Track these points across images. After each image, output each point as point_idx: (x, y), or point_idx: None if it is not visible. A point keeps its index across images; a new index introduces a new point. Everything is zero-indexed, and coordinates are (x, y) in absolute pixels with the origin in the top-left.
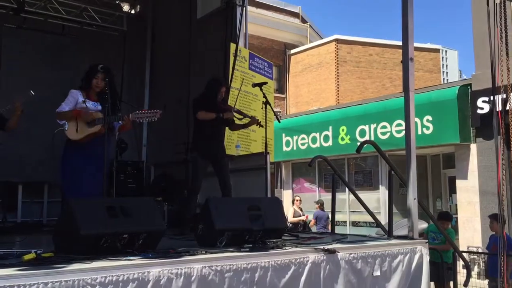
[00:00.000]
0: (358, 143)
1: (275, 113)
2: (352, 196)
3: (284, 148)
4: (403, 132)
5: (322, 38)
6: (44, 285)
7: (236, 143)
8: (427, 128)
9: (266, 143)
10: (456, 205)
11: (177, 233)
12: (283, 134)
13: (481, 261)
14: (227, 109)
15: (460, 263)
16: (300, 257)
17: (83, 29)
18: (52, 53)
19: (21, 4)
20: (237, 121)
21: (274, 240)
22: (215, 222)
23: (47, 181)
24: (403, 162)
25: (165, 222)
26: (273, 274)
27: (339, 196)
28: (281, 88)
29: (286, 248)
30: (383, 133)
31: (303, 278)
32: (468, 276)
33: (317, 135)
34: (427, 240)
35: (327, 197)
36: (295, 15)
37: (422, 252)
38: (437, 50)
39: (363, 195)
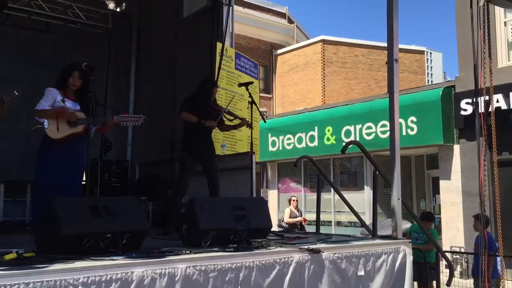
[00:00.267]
0: (344, 144)
1: (261, 113)
2: (337, 196)
3: (270, 148)
4: (388, 133)
5: (308, 39)
6: (25, 286)
7: (222, 142)
8: (412, 129)
9: (252, 143)
10: (439, 205)
11: (162, 233)
12: (269, 134)
13: (463, 261)
14: (218, 110)
15: (443, 263)
16: (284, 257)
17: (67, 26)
18: (35, 51)
19: (4, 1)
20: (227, 122)
21: (259, 240)
22: (199, 222)
23: (29, 180)
24: (388, 163)
25: (149, 222)
26: (258, 274)
27: (324, 196)
28: (268, 88)
29: (271, 248)
30: (368, 134)
31: (287, 278)
32: (451, 275)
33: (303, 135)
34: (410, 240)
35: (312, 197)
36: (282, 15)
37: (405, 252)
38: (422, 52)
39: (348, 195)
